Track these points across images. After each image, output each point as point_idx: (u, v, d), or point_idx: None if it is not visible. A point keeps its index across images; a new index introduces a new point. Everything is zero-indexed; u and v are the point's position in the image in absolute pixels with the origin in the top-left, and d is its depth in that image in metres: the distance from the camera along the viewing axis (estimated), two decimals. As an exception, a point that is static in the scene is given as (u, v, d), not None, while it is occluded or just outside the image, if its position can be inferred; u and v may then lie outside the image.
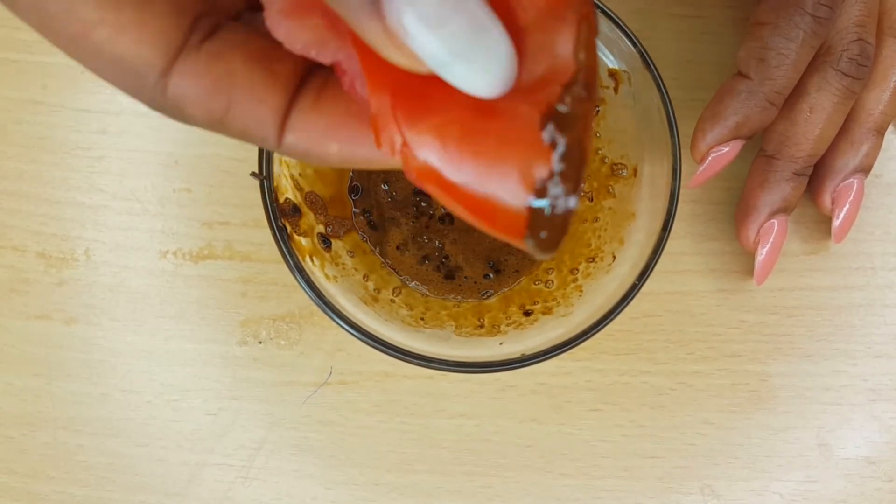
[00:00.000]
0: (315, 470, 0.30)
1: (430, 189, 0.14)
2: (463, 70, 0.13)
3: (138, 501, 0.30)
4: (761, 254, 0.28)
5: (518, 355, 0.26)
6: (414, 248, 0.30)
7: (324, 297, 0.26)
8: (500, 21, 0.13)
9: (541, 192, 0.13)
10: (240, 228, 0.31)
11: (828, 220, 0.30)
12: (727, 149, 0.27)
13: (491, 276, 0.30)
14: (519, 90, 0.14)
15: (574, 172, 0.13)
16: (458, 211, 0.14)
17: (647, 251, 0.26)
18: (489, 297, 0.30)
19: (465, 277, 0.30)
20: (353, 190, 0.30)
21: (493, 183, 0.13)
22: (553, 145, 0.13)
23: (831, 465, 0.30)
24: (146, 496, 0.30)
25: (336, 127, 0.15)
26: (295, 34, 0.15)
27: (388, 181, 0.30)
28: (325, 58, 0.15)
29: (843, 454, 0.30)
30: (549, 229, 0.13)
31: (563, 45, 0.14)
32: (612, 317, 0.26)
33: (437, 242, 0.30)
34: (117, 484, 0.30)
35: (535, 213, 0.13)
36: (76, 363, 0.30)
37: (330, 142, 0.15)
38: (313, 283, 0.26)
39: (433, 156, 0.14)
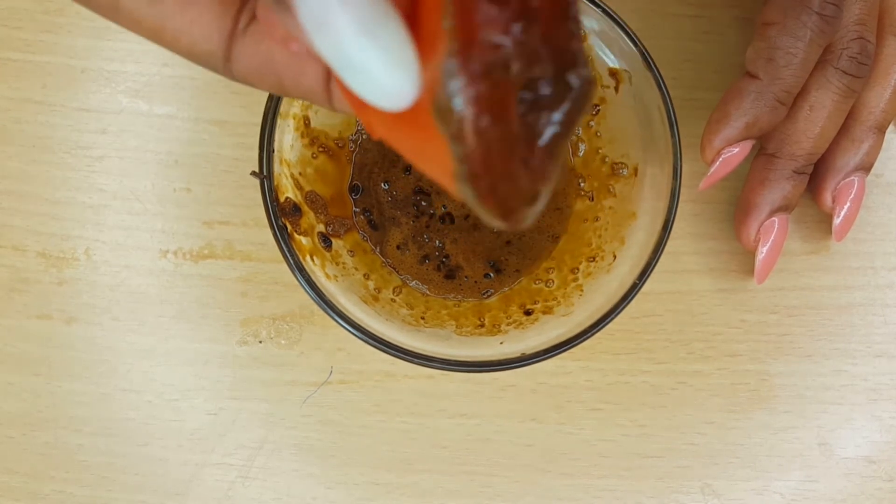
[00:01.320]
0: (315, 469, 0.30)
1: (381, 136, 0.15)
2: (358, 77, 0.13)
3: (139, 501, 0.30)
4: (762, 252, 0.28)
5: (518, 355, 0.26)
6: (414, 248, 0.30)
7: (324, 296, 0.25)
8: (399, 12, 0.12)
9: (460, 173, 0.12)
10: (240, 228, 0.31)
11: (828, 219, 0.30)
12: (737, 149, 0.27)
13: (491, 275, 0.30)
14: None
15: (478, 154, 0.12)
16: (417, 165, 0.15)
17: (648, 251, 0.26)
18: (490, 296, 0.30)
19: (466, 277, 0.30)
20: (353, 189, 0.30)
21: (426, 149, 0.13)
22: (445, 132, 0.12)
23: (832, 464, 0.30)
24: (146, 496, 0.30)
25: None
26: (274, 34, 0.15)
27: (388, 180, 0.30)
28: (300, 48, 0.15)
29: (844, 454, 0.30)
30: (484, 172, 0.12)
31: None
32: (613, 316, 0.26)
33: (437, 242, 0.30)
34: (118, 483, 0.30)
35: (461, 178, 0.12)
36: (76, 363, 0.30)
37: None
38: (314, 283, 0.26)
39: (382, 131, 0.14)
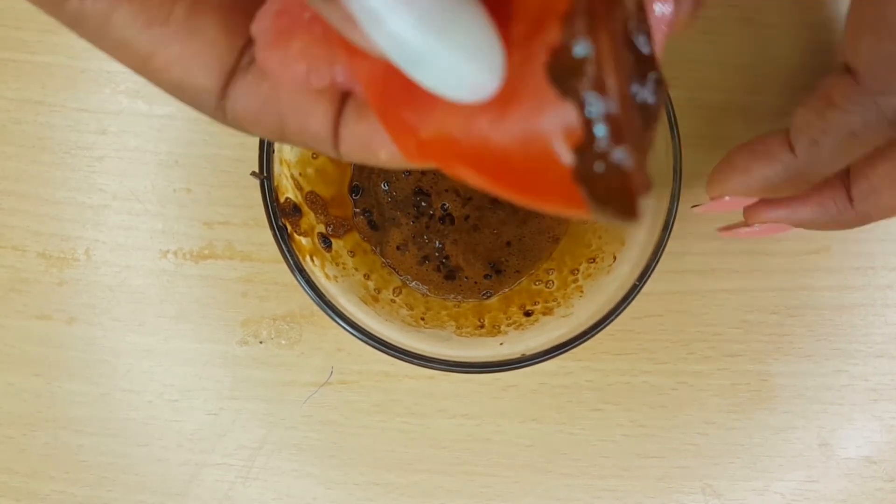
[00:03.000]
0: (315, 470, 0.30)
1: (472, 179, 0.13)
2: (429, 68, 0.11)
3: (138, 501, 0.30)
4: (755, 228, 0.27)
5: (518, 356, 0.26)
6: (414, 249, 0.30)
7: (324, 296, 0.25)
8: None
9: (580, 148, 0.11)
10: (240, 228, 0.31)
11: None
12: (745, 200, 0.26)
13: (491, 276, 0.30)
14: (512, 42, 0.12)
15: (612, 115, 0.11)
16: (508, 194, 0.13)
17: (648, 251, 0.26)
18: (489, 297, 0.30)
19: (466, 278, 0.30)
20: (353, 190, 0.30)
21: (523, 155, 0.12)
22: (567, 95, 0.11)
23: (832, 464, 0.30)
24: (146, 496, 0.30)
25: (377, 133, 0.14)
26: (284, 66, 0.14)
27: (388, 181, 0.30)
28: (320, 80, 0.14)
29: (844, 454, 0.30)
30: (611, 188, 0.11)
31: None
32: (613, 317, 0.26)
33: (437, 243, 0.30)
34: (117, 483, 0.30)
35: (580, 171, 0.11)
36: (77, 363, 0.30)
37: (378, 149, 0.15)
38: (314, 283, 0.26)
39: (449, 151, 0.12)
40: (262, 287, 0.31)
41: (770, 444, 0.30)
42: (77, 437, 0.30)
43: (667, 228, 0.26)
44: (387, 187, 0.30)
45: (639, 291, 0.25)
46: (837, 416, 0.30)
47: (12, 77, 0.32)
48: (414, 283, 0.30)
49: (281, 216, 0.26)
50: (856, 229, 0.30)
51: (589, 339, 0.26)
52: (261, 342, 0.30)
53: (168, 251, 0.31)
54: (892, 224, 0.31)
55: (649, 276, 0.25)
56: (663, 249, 0.26)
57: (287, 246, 0.25)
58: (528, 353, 0.26)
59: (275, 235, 0.25)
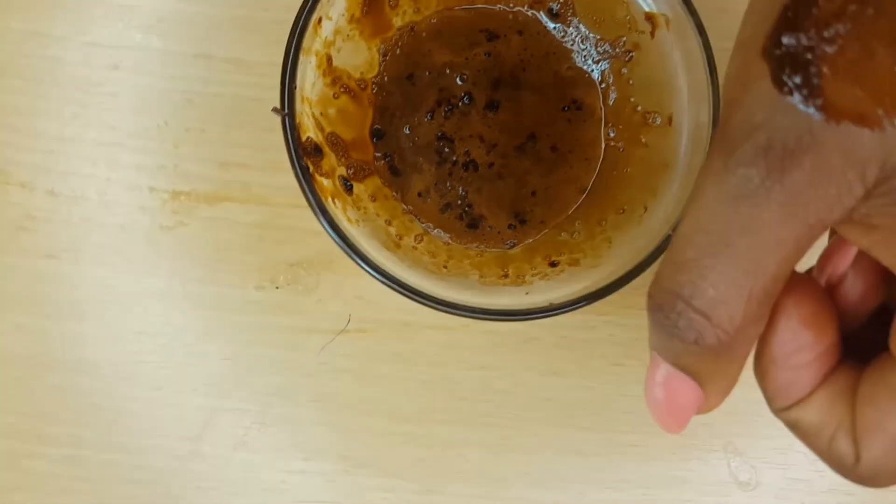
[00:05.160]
0: (332, 417, 0.30)
1: None
2: None
3: (151, 445, 0.30)
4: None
5: (546, 304, 0.25)
6: (436, 196, 0.29)
7: (348, 239, 0.25)
8: None
9: None
10: (257, 171, 0.30)
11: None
12: None
13: (515, 226, 0.29)
14: None
15: None
16: None
17: (681, 204, 0.25)
18: (513, 247, 0.29)
19: (489, 227, 0.29)
20: (375, 133, 0.29)
21: None
22: None
23: (854, 425, 0.30)
24: (159, 440, 0.29)
25: None
26: None
27: (410, 125, 0.29)
28: None
29: (867, 415, 0.30)
30: None
31: None
32: (645, 268, 0.25)
33: (460, 190, 0.29)
34: (129, 427, 0.30)
35: None
36: (88, 304, 0.30)
37: None
38: (336, 226, 0.25)
39: None
40: (279, 232, 0.30)
41: (792, 404, 0.30)
42: (88, 379, 0.30)
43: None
44: (409, 132, 0.29)
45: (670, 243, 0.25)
46: (861, 376, 0.30)
47: (19, 8, 0.30)
48: (436, 230, 0.29)
49: (303, 155, 0.25)
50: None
51: (619, 290, 0.25)
52: (277, 287, 0.30)
53: (181, 192, 0.30)
54: None
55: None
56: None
57: (310, 186, 0.25)
58: (556, 302, 0.25)
59: (297, 175, 0.24)
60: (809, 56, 0.16)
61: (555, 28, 0.30)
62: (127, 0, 0.30)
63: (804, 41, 0.16)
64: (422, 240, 0.29)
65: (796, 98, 0.16)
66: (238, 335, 0.30)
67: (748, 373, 0.30)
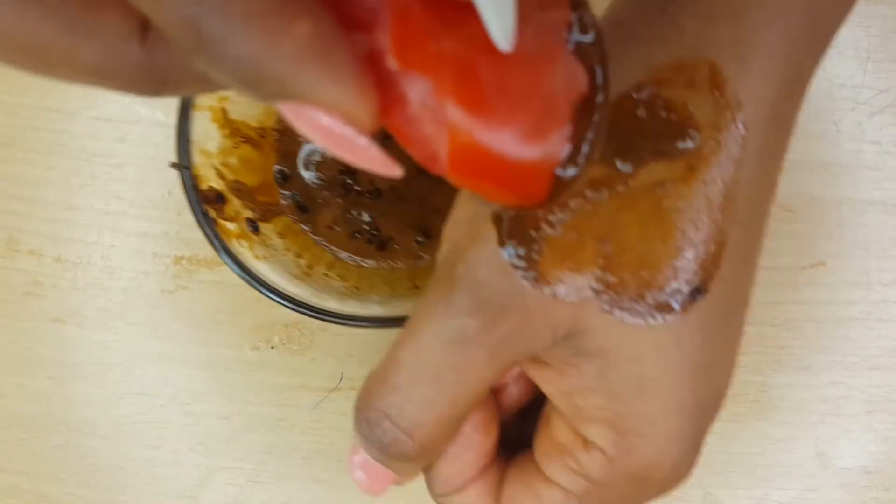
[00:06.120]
0: (325, 475, 0.30)
1: (465, 177, 0.15)
2: (497, 14, 0.13)
3: (149, 504, 0.30)
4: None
5: None
6: (345, 225, 0.30)
7: (251, 272, 0.26)
8: None
9: (570, 159, 0.14)
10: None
11: (824, 236, 0.31)
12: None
13: (422, 240, 0.31)
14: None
15: (598, 133, 0.14)
16: (486, 189, 0.15)
17: None
18: (424, 261, 0.30)
19: (398, 246, 0.31)
20: (279, 175, 0.31)
21: (525, 148, 0.14)
22: (577, 118, 0.14)
23: (829, 474, 0.31)
24: (157, 499, 0.30)
25: None
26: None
27: (313, 164, 0.30)
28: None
29: (841, 464, 0.31)
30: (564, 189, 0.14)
31: None
32: None
33: (367, 217, 0.30)
34: (128, 487, 0.30)
35: (560, 180, 0.14)
36: (90, 366, 0.31)
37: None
38: (240, 261, 0.26)
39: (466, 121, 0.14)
40: (274, 294, 0.31)
41: (769, 454, 0.31)
42: (89, 440, 0.30)
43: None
44: (313, 170, 0.31)
45: None
46: (834, 426, 0.31)
47: (32, 85, 0.32)
48: (347, 256, 0.31)
49: (203, 203, 0.26)
50: (849, 246, 0.31)
51: None
52: (272, 347, 0.31)
53: (183, 257, 0.31)
54: (886, 241, 0.32)
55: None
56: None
57: (213, 230, 0.26)
58: None
59: (198, 221, 0.26)
60: (533, 234, 0.19)
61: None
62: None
63: (532, 223, 0.19)
64: (333, 266, 0.30)
65: (517, 267, 0.19)
66: (234, 394, 0.31)
67: (722, 425, 0.31)
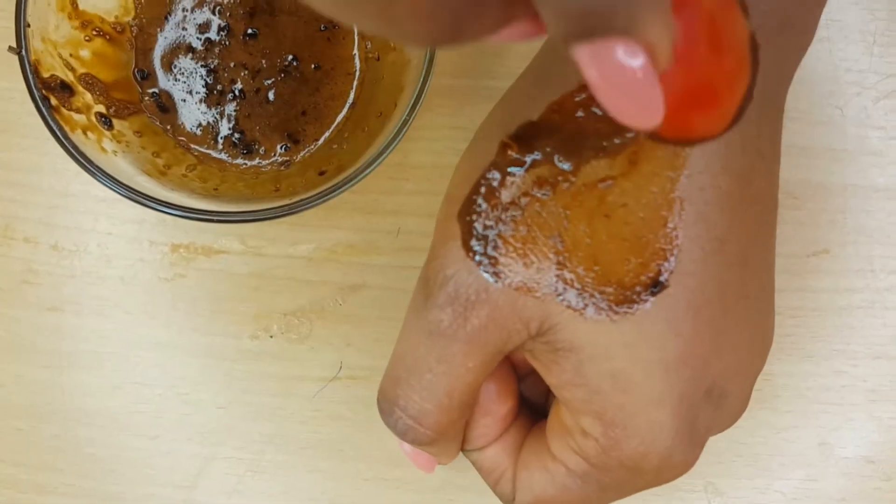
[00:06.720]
0: (324, 464, 0.30)
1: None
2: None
3: (147, 494, 0.30)
4: None
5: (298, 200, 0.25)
6: (207, 127, 0.30)
7: (94, 163, 0.25)
8: None
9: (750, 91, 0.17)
10: (252, 223, 0.31)
11: (828, 223, 0.31)
12: None
13: (289, 146, 0.30)
14: None
15: None
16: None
17: (418, 86, 0.25)
18: (289, 166, 0.30)
19: (263, 150, 0.30)
20: (139, 74, 0.30)
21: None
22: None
23: (831, 464, 0.31)
24: (155, 489, 0.30)
25: None
26: None
27: (175, 63, 0.30)
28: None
29: (844, 453, 0.31)
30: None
31: None
32: (386, 153, 0.25)
33: (231, 119, 0.30)
34: (126, 477, 0.30)
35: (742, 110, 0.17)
36: (87, 355, 0.31)
37: None
38: (81, 151, 0.25)
39: None
40: (273, 282, 0.31)
41: (772, 443, 0.31)
42: (86, 429, 0.30)
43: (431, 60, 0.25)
44: (174, 69, 0.30)
45: (408, 127, 0.25)
46: (837, 416, 0.31)
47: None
48: (210, 157, 0.30)
49: (44, 89, 0.25)
50: (854, 234, 0.31)
51: (362, 177, 0.25)
52: (271, 336, 0.31)
53: (180, 245, 0.31)
54: (890, 228, 0.32)
55: (418, 108, 0.25)
56: (428, 81, 0.25)
57: (49, 115, 0.25)
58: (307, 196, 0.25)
59: (36, 107, 0.25)
60: (490, 231, 0.21)
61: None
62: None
63: (488, 220, 0.21)
64: (194, 168, 0.29)
65: (479, 263, 0.21)
66: (232, 383, 0.30)
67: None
